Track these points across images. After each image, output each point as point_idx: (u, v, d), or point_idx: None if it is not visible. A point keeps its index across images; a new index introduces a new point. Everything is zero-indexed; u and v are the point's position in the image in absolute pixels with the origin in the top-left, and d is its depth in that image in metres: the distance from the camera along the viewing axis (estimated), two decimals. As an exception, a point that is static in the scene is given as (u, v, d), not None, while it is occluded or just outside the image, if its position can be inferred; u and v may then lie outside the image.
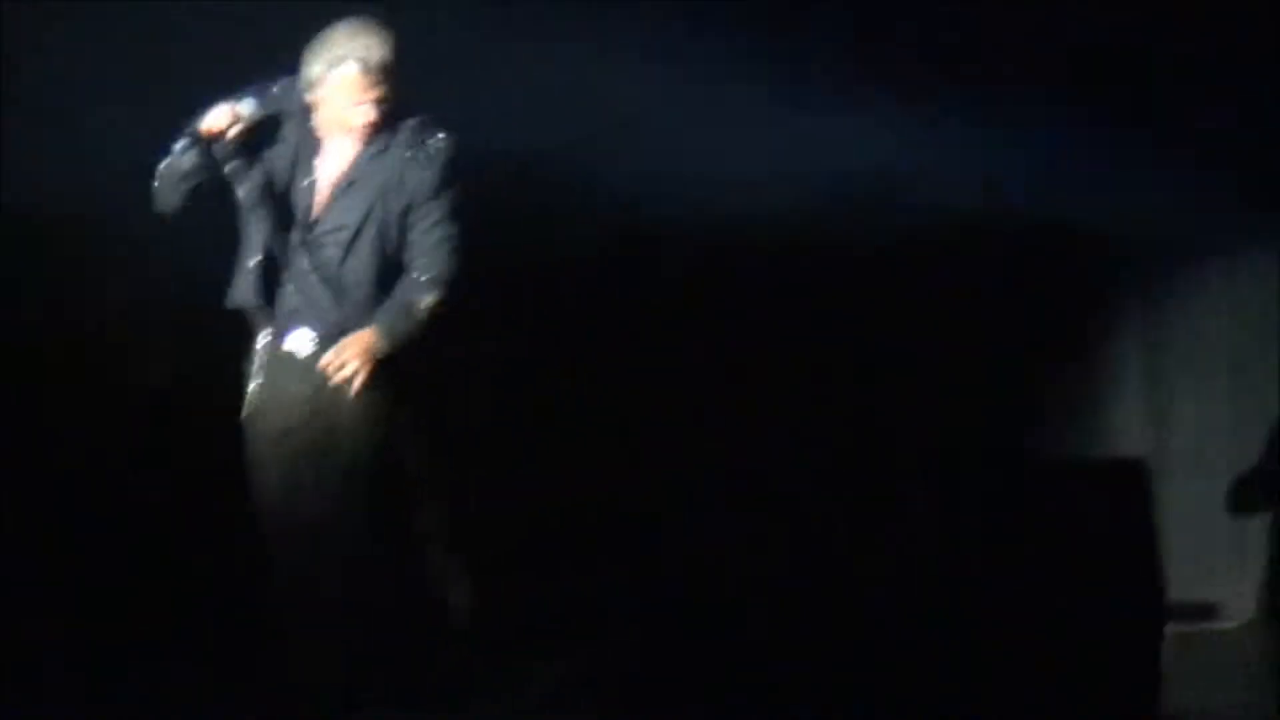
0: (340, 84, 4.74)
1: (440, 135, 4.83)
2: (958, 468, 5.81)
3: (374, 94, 4.74)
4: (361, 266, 4.78)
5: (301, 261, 4.77)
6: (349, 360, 4.70)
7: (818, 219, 6.68)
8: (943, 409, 6.81)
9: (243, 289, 4.82)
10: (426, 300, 4.77)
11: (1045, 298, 7.08)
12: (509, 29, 6.38)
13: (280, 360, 4.81)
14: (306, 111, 4.83)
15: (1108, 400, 7.27)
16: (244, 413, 4.83)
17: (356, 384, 4.70)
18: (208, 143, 4.69)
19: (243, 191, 4.75)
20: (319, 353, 4.76)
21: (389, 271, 4.81)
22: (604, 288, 6.68)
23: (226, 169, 4.71)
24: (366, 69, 4.72)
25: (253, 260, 4.79)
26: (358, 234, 4.78)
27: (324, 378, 4.74)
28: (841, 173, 6.69)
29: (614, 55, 6.44)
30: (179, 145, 4.72)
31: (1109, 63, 6.85)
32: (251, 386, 4.84)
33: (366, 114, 4.76)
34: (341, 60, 4.73)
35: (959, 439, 6.76)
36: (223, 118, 4.69)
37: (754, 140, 6.69)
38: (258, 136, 4.77)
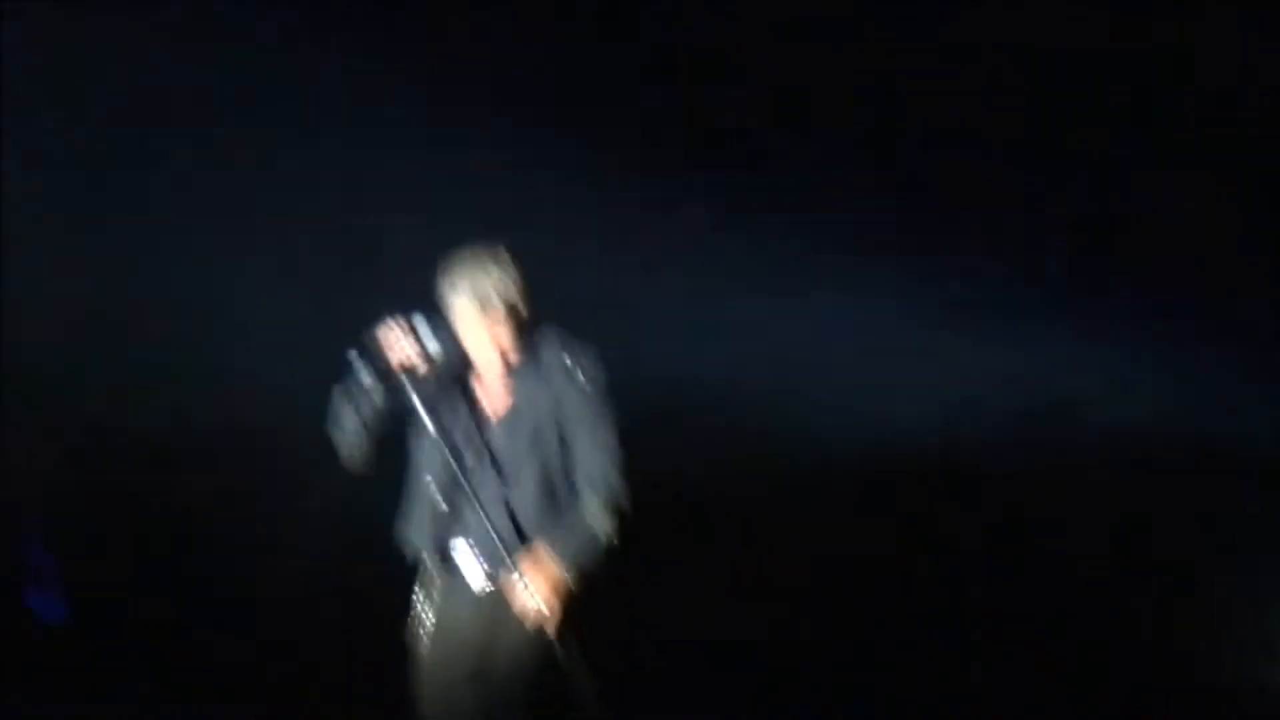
0: (464, 316, 4.75)
1: (587, 354, 4.82)
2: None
3: (497, 326, 4.74)
4: (529, 493, 4.75)
5: (473, 492, 4.72)
6: (540, 598, 4.64)
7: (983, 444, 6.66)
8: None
9: (418, 527, 4.82)
10: (607, 528, 4.72)
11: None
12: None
13: (454, 590, 4.79)
14: (456, 368, 4.83)
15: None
16: (416, 639, 4.80)
17: (549, 624, 4.65)
18: (391, 375, 4.68)
19: (416, 424, 4.76)
20: (493, 580, 4.74)
21: (552, 494, 4.77)
22: (770, 514, 6.61)
23: (408, 402, 4.70)
24: (482, 303, 4.72)
25: (426, 495, 4.79)
26: (524, 462, 4.76)
27: (497, 607, 4.71)
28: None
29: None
30: (364, 376, 4.69)
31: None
32: (423, 614, 4.81)
33: (497, 343, 4.75)
34: (459, 293, 4.74)
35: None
36: (413, 355, 4.68)
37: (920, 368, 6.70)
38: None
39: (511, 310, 4.75)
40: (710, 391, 6.57)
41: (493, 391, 4.85)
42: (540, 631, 4.66)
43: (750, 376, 6.61)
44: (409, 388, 4.68)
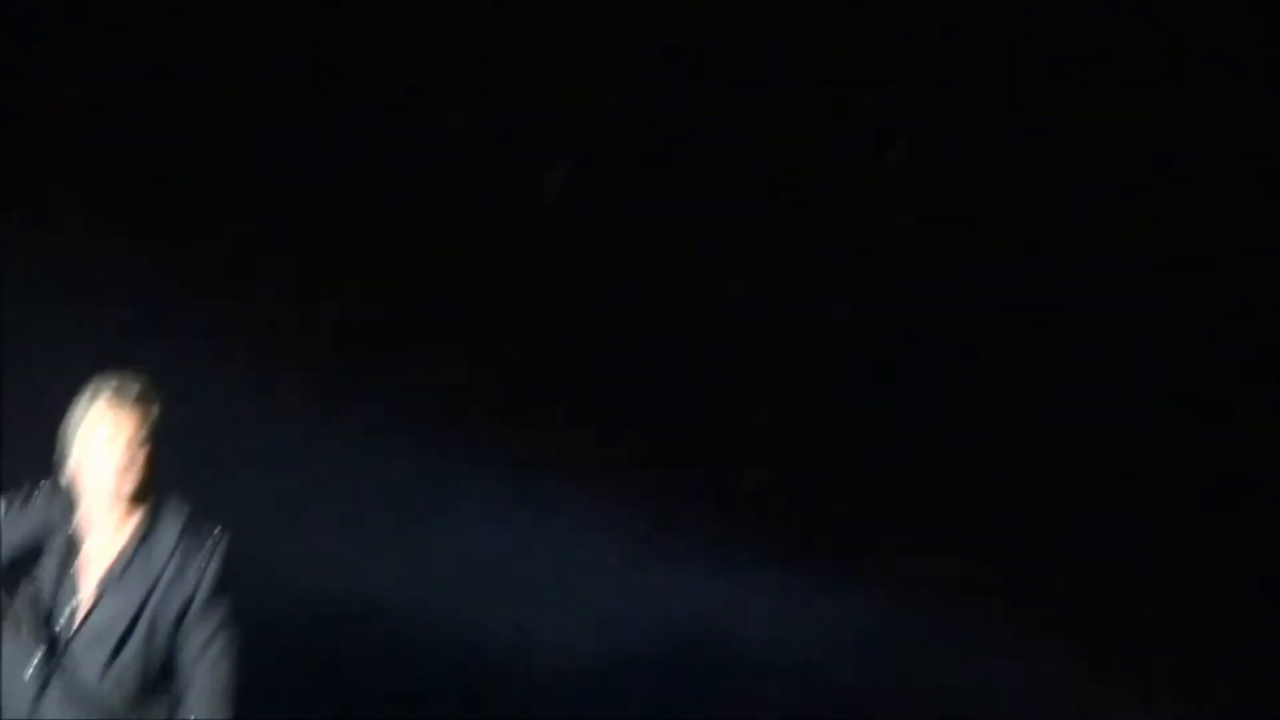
0: (96, 425, 4.47)
1: (215, 527, 4.55)
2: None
3: (131, 449, 4.46)
4: (129, 670, 4.42)
5: (67, 668, 4.40)
6: None
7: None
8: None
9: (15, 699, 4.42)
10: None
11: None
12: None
13: None
14: (67, 511, 4.53)
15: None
16: None
17: None
18: None
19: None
20: None
21: (152, 672, 4.45)
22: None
23: None
24: (125, 406, 4.47)
25: (19, 680, 4.41)
26: (128, 633, 4.43)
27: None
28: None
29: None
30: None
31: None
32: None
33: (122, 473, 4.45)
34: (100, 395, 4.50)
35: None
36: None
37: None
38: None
39: (150, 438, 4.48)
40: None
41: (95, 554, 4.51)
42: None
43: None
44: None
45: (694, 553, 6.90)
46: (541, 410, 6.83)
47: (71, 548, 4.51)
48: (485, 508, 6.77)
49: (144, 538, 4.51)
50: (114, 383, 4.54)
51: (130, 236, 6.37)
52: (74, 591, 4.47)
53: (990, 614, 6.73)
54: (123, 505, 4.51)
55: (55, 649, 4.41)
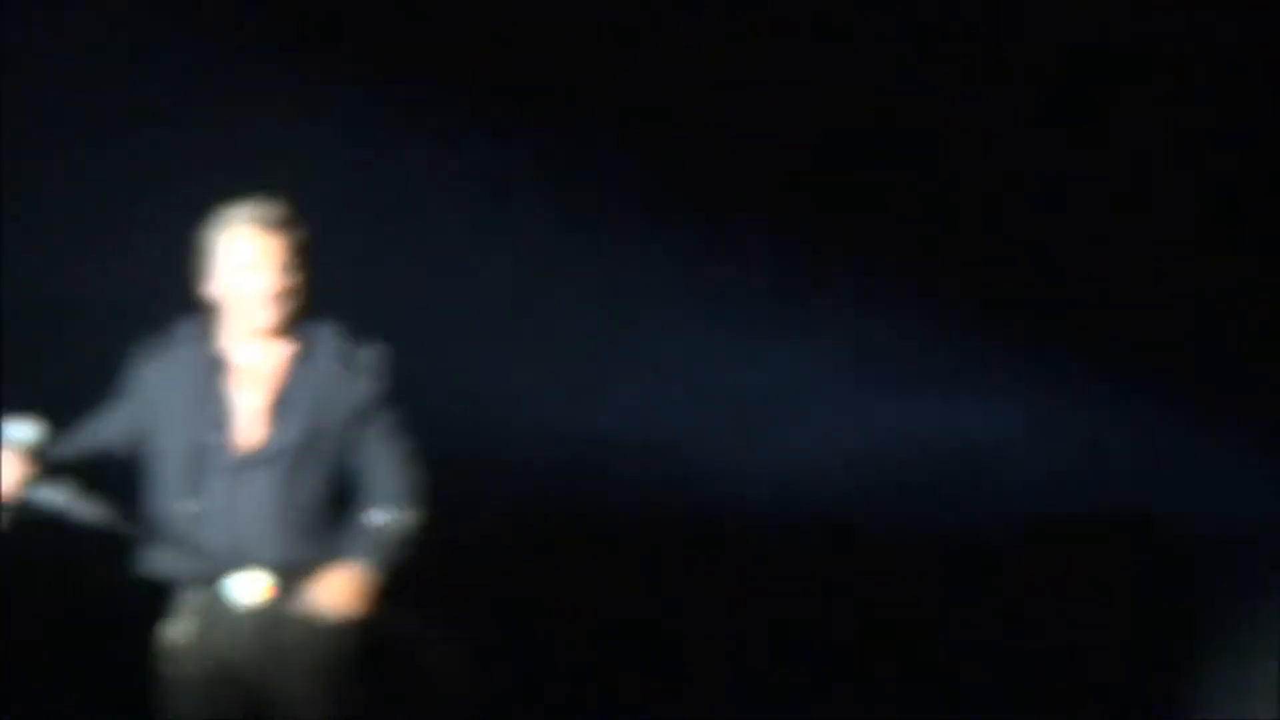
0: (240, 252, 4.30)
1: (373, 345, 4.42)
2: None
3: (280, 272, 4.30)
4: (305, 492, 4.29)
5: (231, 498, 4.28)
6: (341, 603, 4.27)
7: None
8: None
9: (163, 552, 4.32)
10: (407, 523, 4.34)
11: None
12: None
13: (219, 612, 4.30)
14: (196, 340, 4.41)
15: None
16: (169, 671, 4.37)
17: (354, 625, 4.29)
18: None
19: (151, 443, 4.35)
20: (271, 596, 4.29)
21: (333, 494, 4.34)
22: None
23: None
24: (269, 228, 4.30)
25: (173, 518, 4.30)
26: (298, 457, 4.30)
27: (276, 623, 4.30)
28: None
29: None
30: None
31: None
32: (180, 642, 4.36)
33: (273, 298, 4.30)
34: (238, 221, 4.32)
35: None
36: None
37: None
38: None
39: (297, 257, 4.32)
40: (610, 441, 6.35)
41: (251, 376, 4.37)
42: (340, 640, 4.31)
43: (645, 424, 6.41)
44: (35, 498, 4.24)
45: (961, 377, 6.56)
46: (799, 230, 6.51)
47: (215, 376, 4.38)
48: (740, 334, 6.52)
49: (302, 358, 4.38)
50: (254, 206, 4.37)
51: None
52: (229, 421, 4.34)
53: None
54: (275, 331, 4.37)
55: (218, 481, 4.30)
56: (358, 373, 4.37)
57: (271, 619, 4.30)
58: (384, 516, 4.34)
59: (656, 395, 6.41)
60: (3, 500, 4.21)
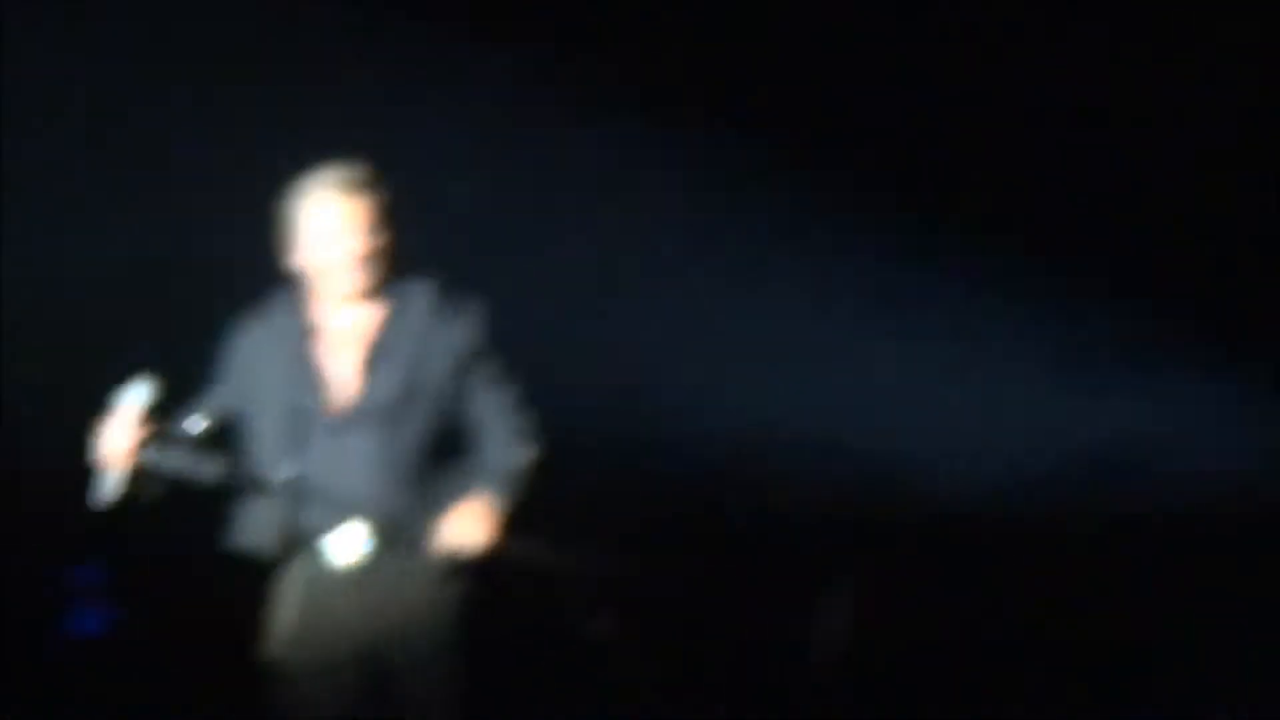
0: (322, 216, 4.16)
1: (467, 296, 4.30)
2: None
3: (364, 234, 4.17)
4: (405, 446, 4.17)
5: (330, 459, 4.14)
6: (471, 537, 4.12)
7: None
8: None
9: (261, 527, 4.20)
10: (526, 459, 4.22)
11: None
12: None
13: (324, 578, 4.17)
14: (288, 308, 4.28)
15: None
16: (277, 651, 4.21)
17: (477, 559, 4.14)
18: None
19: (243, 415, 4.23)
20: (372, 550, 4.16)
21: (437, 449, 4.21)
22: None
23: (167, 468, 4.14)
24: (350, 191, 4.16)
25: (269, 487, 4.18)
26: (395, 412, 4.17)
27: (382, 581, 4.15)
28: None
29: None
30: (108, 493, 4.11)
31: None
32: (286, 620, 4.22)
33: (358, 259, 4.17)
34: (319, 185, 4.18)
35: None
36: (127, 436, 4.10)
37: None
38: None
39: (382, 218, 4.19)
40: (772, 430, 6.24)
41: (345, 337, 4.24)
42: (455, 591, 4.15)
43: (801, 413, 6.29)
44: (159, 461, 4.10)
45: (1115, 371, 6.38)
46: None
47: (306, 342, 4.25)
48: (885, 331, 6.38)
49: (395, 315, 4.25)
50: (334, 171, 4.21)
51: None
52: (323, 384, 4.21)
53: None
54: (366, 294, 4.23)
55: (317, 443, 4.15)
56: (453, 323, 4.25)
57: (377, 576, 4.15)
58: (501, 456, 4.23)
59: (840, 391, 6.32)
60: (116, 464, 4.10)
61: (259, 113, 5.78)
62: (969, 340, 6.38)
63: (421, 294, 4.28)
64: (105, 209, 5.75)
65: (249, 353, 4.30)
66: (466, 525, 4.13)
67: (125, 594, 5.99)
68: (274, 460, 4.18)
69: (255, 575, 4.29)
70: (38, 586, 5.92)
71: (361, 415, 4.18)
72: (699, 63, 6.24)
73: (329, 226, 4.17)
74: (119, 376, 4.17)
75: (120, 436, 4.11)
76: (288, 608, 4.20)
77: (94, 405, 4.16)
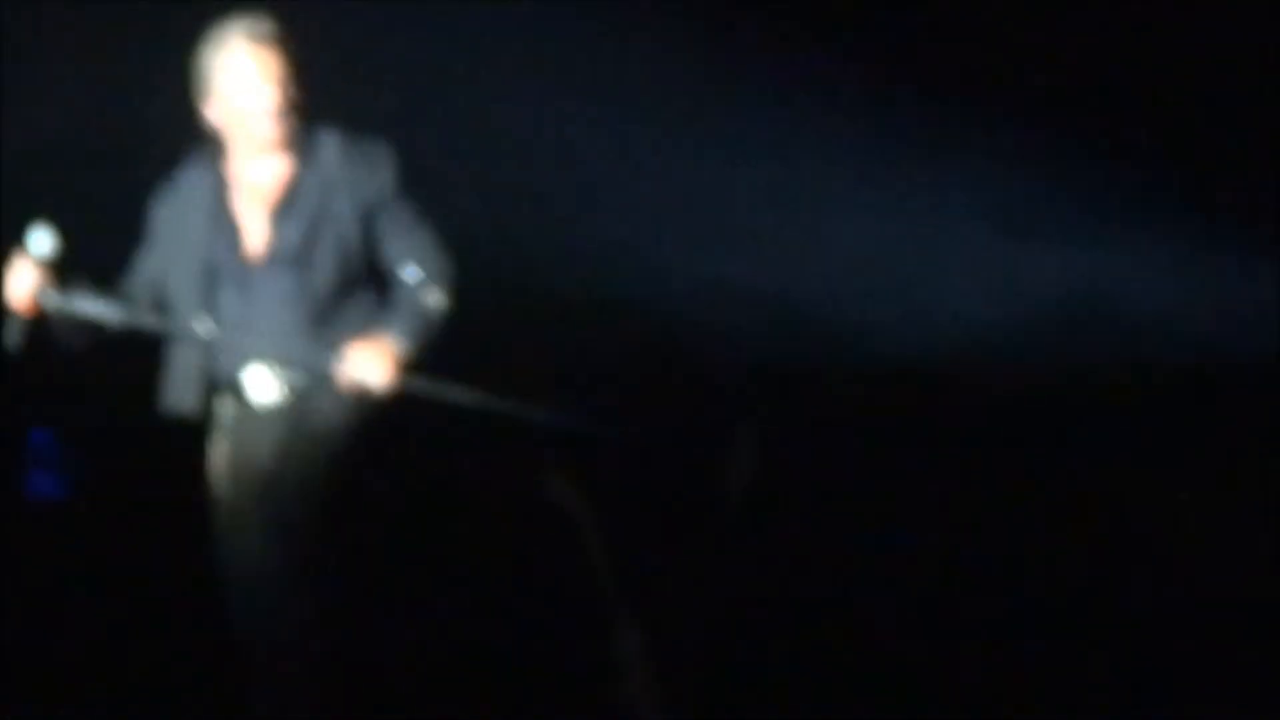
0: (233, 66, 4.23)
1: (377, 142, 4.35)
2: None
3: (276, 83, 4.23)
4: (315, 289, 4.25)
5: (243, 307, 4.26)
6: (371, 374, 4.18)
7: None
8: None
9: (184, 380, 4.30)
10: (437, 300, 4.30)
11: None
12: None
13: (245, 417, 4.30)
14: (202, 166, 4.37)
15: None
16: (213, 490, 4.35)
17: (379, 396, 4.19)
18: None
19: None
20: (293, 391, 4.27)
21: (346, 289, 4.29)
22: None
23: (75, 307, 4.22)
24: (261, 41, 4.22)
25: (186, 335, 4.28)
26: (303, 258, 4.26)
27: (300, 415, 4.27)
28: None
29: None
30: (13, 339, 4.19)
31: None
32: (216, 458, 4.35)
33: (276, 123, 4.24)
34: (230, 35, 4.24)
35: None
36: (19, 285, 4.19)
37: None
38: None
39: (294, 71, 4.24)
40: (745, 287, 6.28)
41: (257, 190, 4.32)
42: (362, 424, 4.24)
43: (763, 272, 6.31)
44: (60, 304, 4.19)
45: (1075, 222, 6.35)
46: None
47: (223, 194, 4.34)
48: (856, 187, 6.35)
49: (305, 165, 4.32)
50: (246, 22, 4.26)
51: None
52: (236, 236, 4.32)
53: None
54: (279, 146, 4.31)
55: (230, 293, 4.28)
56: (360, 170, 4.32)
57: (290, 414, 4.27)
58: (409, 298, 4.29)
59: (793, 249, 6.31)
60: (18, 308, 4.20)
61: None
62: (921, 196, 6.36)
63: (330, 144, 4.33)
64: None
65: (166, 215, 4.39)
66: (364, 362, 4.20)
67: (80, 459, 6.09)
68: (190, 312, 4.27)
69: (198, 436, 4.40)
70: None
71: (271, 263, 4.27)
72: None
73: (244, 76, 4.23)
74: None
75: (19, 281, 4.19)
76: (217, 446, 4.34)
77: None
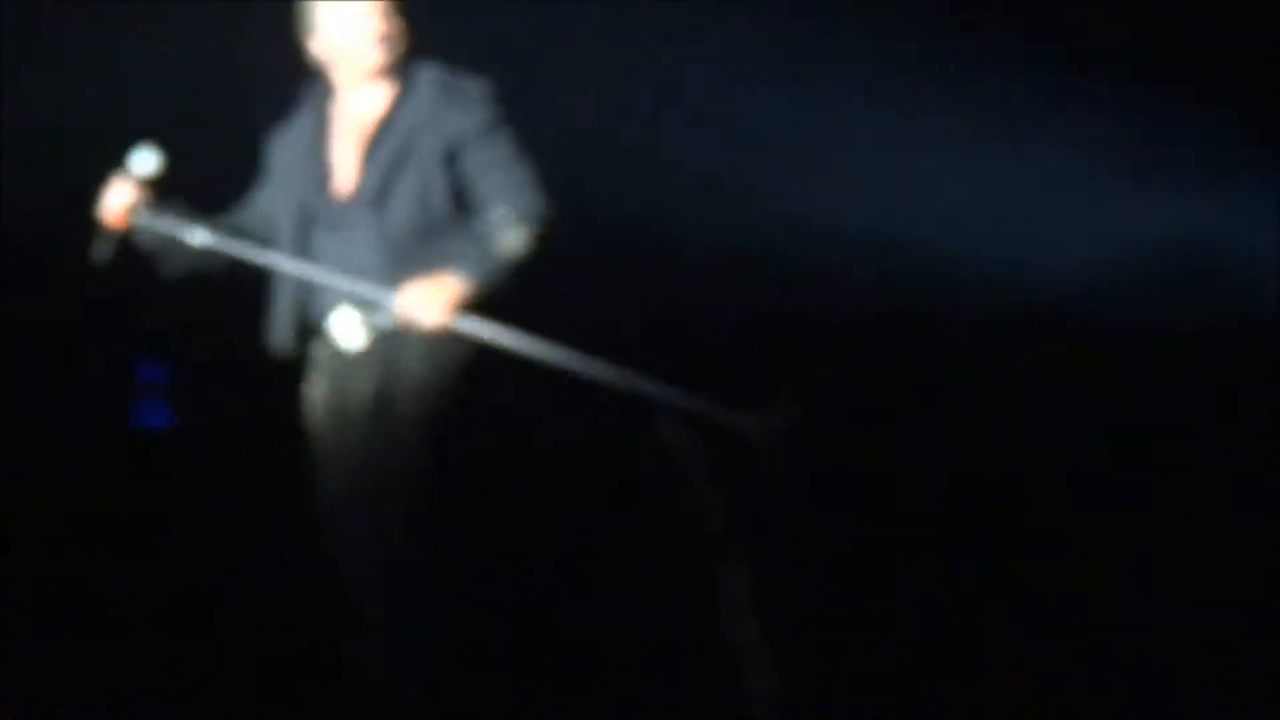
0: (333, 17, 4.25)
1: (475, 78, 4.28)
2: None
3: (378, 28, 4.24)
4: (399, 228, 4.19)
5: (333, 248, 4.24)
6: (426, 313, 4.10)
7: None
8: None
9: (282, 317, 4.30)
10: (513, 237, 4.16)
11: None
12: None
13: (339, 358, 4.27)
14: (311, 101, 4.38)
15: None
16: (310, 428, 4.33)
17: (434, 333, 4.12)
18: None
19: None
20: (378, 336, 4.22)
21: (433, 227, 4.21)
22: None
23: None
24: None
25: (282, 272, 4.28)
26: (386, 196, 4.21)
27: (388, 359, 4.21)
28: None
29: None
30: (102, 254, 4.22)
31: None
32: (312, 398, 4.32)
33: (375, 52, 4.24)
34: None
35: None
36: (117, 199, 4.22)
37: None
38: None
39: (395, 4, 4.25)
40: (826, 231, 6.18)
41: (353, 125, 4.30)
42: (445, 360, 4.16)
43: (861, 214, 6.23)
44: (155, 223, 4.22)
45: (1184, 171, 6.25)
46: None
47: (322, 132, 4.35)
48: (952, 131, 6.28)
49: (399, 100, 4.29)
50: None
51: None
52: (329, 170, 4.31)
53: None
54: (380, 76, 4.30)
55: (322, 236, 4.28)
56: (454, 106, 4.26)
57: (382, 358, 4.22)
58: (483, 237, 4.19)
59: (901, 194, 6.25)
60: (109, 222, 4.23)
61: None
62: (1036, 142, 6.27)
63: (427, 81, 4.30)
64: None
65: (276, 151, 4.42)
66: (418, 299, 4.13)
67: (186, 392, 6.16)
68: (287, 250, 4.29)
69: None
70: (106, 380, 6.11)
71: (354, 203, 4.26)
72: None
73: (343, 8, 4.25)
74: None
75: (115, 196, 4.23)
76: (313, 387, 4.33)
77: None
